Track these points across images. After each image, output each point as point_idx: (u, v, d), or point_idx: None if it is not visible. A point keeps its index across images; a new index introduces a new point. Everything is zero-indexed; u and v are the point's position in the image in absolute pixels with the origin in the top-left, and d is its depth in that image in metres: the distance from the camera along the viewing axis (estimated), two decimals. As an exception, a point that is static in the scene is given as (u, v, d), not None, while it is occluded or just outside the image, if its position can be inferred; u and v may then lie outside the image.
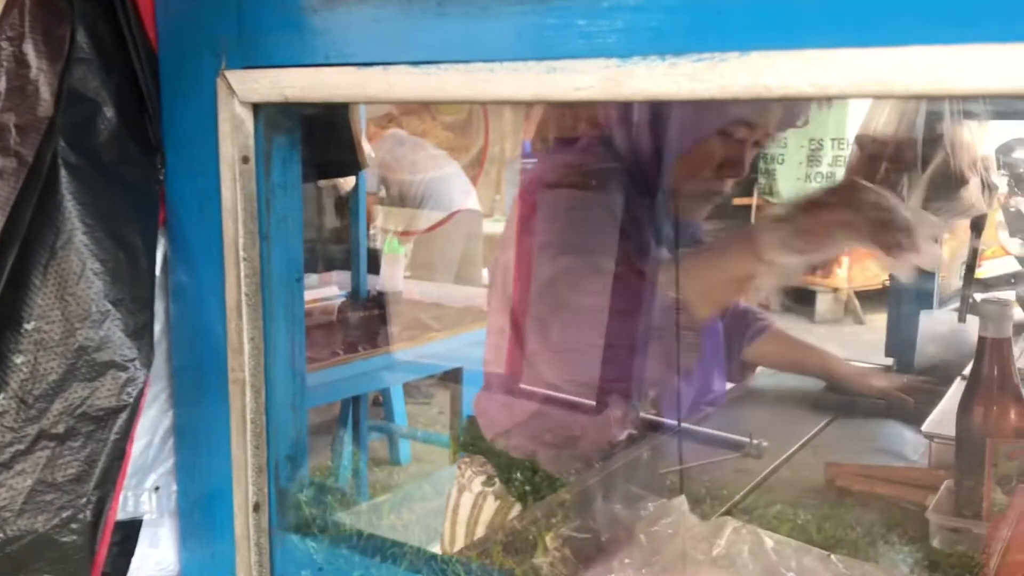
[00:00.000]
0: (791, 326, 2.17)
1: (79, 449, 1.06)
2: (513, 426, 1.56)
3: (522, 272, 1.52)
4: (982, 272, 4.59)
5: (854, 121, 2.04)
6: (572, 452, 1.51)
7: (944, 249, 2.64)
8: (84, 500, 1.07)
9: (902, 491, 1.40)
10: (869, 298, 6.46)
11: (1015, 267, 4.50)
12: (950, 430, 1.32)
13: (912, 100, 1.77)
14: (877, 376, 1.99)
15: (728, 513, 1.32)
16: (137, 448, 1.16)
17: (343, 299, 3.79)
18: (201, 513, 1.22)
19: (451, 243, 4.70)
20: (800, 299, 6.54)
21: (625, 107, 1.48)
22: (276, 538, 1.16)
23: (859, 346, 5.20)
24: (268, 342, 1.12)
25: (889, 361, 2.27)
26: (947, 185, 1.93)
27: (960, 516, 1.24)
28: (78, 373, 1.06)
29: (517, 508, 1.48)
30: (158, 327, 1.17)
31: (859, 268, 6.32)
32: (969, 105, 1.89)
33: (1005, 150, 3.29)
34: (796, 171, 6.63)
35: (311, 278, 4.08)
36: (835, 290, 6.61)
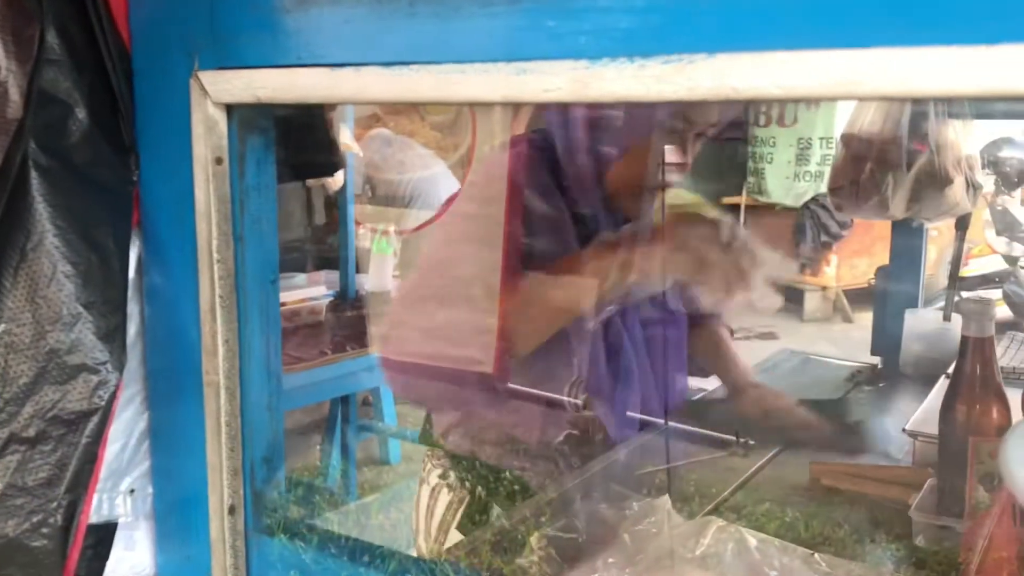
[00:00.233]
0: (780, 325, 2.15)
1: (50, 453, 1.05)
2: (456, 422, 1.55)
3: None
4: (968, 270, 4.61)
5: (842, 120, 2.04)
6: (512, 447, 1.49)
7: (931, 249, 2.64)
8: (55, 504, 1.06)
9: (886, 489, 1.41)
10: (858, 296, 6.47)
11: (1002, 265, 4.52)
12: (934, 429, 1.33)
13: (881, 101, 1.76)
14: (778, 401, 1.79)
15: (715, 511, 1.33)
16: (112, 451, 1.15)
17: (331, 299, 3.79)
18: (177, 516, 1.21)
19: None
20: (788, 298, 6.54)
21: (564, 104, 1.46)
22: (252, 540, 1.16)
23: (847, 344, 5.22)
24: (243, 344, 1.12)
25: (876, 359, 2.28)
26: (932, 184, 1.94)
27: (943, 514, 1.24)
28: (49, 376, 1.05)
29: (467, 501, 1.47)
30: (133, 329, 1.16)
31: (848, 266, 6.33)
32: (953, 105, 1.89)
33: (992, 149, 3.30)
34: (785, 170, 6.63)
35: (299, 277, 4.08)
36: (824, 288, 6.62)
